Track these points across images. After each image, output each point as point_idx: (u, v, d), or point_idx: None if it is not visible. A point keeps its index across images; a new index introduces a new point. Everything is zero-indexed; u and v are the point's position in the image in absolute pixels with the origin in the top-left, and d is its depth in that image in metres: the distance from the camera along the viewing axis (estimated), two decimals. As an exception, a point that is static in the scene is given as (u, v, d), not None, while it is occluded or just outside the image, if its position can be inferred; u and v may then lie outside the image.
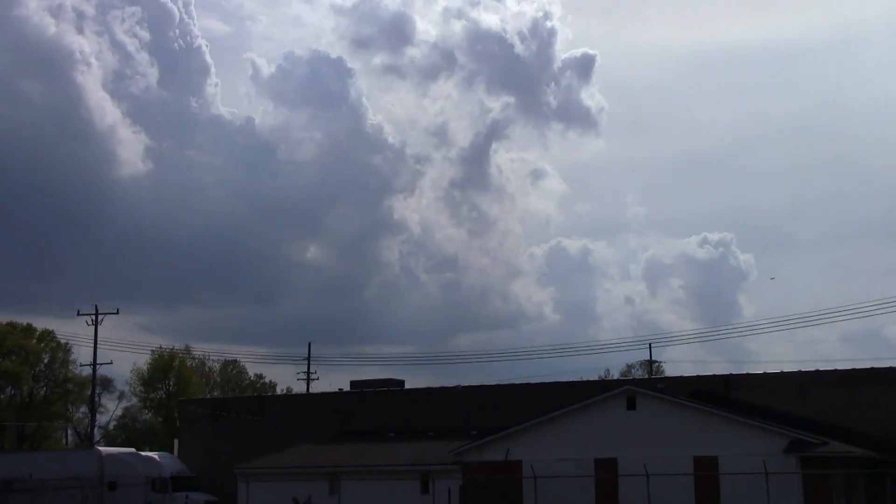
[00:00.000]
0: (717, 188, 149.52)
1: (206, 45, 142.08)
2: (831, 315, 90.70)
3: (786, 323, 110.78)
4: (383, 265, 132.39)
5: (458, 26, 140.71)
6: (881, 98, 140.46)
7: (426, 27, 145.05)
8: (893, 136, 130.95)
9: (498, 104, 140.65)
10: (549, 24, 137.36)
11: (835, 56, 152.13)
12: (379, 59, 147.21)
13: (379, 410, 60.72)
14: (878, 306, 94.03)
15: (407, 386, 64.63)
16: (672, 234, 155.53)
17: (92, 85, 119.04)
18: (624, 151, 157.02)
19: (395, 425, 58.64)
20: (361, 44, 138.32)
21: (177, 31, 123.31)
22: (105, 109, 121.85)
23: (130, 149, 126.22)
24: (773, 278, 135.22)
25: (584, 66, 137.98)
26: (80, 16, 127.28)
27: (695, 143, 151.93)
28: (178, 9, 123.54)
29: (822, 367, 52.97)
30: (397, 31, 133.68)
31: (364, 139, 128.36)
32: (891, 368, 50.28)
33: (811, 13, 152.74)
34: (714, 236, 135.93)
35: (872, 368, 51.32)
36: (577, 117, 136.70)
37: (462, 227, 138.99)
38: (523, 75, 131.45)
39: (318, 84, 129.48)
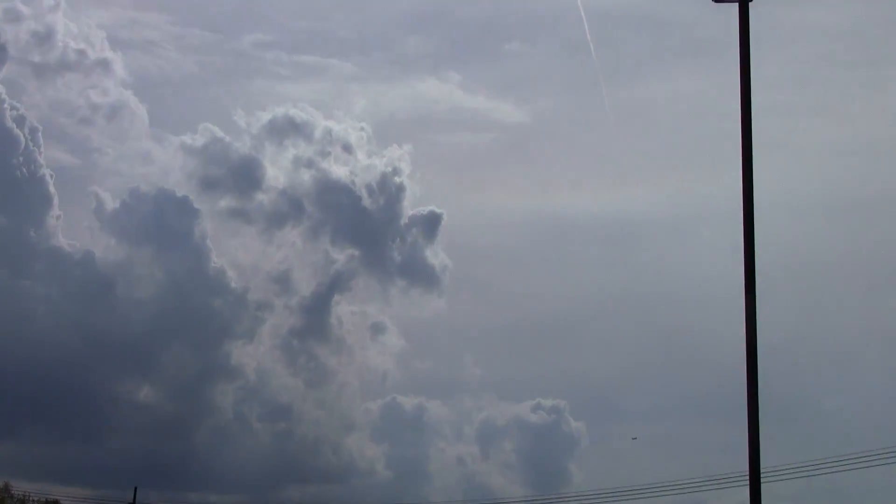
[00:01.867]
0: (553, 354, 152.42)
1: (51, 175, 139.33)
2: (656, 489, 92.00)
3: (613, 495, 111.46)
4: (216, 410, 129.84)
5: (307, 175, 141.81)
6: (712, 273, 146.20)
7: (276, 174, 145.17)
8: (724, 311, 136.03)
9: (343, 256, 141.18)
10: (397, 179, 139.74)
11: (670, 231, 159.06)
12: (226, 202, 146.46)
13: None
14: (703, 482, 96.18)
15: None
16: (507, 397, 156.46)
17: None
18: (464, 312, 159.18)
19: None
20: (209, 185, 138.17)
21: (21, 158, 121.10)
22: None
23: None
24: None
25: (430, 224, 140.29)
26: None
27: (534, 307, 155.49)
28: (24, 135, 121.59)
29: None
30: (246, 176, 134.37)
31: (206, 281, 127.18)
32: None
33: (649, 189, 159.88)
34: (548, 402, 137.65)
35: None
36: (420, 274, 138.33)
37: (299, 377, 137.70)
38: (370, 229, 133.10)
39: (162, 222, 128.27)
